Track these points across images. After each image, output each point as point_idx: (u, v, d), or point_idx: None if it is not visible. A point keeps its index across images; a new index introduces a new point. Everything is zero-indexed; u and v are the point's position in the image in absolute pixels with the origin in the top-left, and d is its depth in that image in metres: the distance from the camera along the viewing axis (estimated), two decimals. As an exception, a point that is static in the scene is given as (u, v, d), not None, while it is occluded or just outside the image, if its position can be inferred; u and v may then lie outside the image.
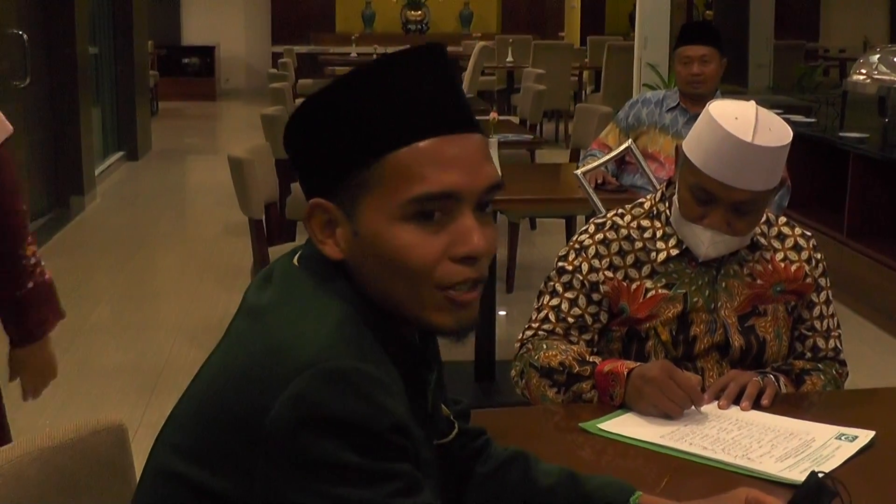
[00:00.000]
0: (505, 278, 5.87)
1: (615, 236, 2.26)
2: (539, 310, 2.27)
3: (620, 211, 2.31)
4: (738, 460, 1.79)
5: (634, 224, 2.27)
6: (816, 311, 2.30)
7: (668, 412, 1.95)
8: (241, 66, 17.20)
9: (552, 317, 2.25)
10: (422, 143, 1.26)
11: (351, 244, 1.29)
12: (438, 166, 1.26)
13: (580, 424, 1.94)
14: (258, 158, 4.31)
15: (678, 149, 2.19)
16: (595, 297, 2.24)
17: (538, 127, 7.87)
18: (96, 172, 9.01)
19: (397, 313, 1.30)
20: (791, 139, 2.10)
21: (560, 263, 2.29)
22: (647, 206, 2.31)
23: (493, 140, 4.52)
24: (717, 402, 2.03)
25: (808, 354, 2.29)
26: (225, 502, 1.19)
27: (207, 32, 16.84)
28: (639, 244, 2.25)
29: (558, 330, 2.23)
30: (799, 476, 1.71)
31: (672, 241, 2.24)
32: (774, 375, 2.14)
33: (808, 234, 2.33)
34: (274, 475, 1.17)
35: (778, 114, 2.16)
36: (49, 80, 7.85)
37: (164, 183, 9.97)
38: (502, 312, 5.39)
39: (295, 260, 1.34)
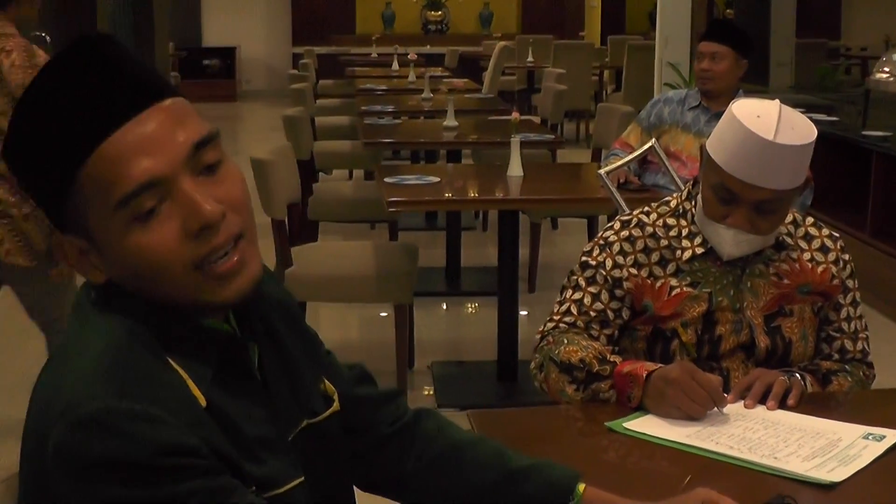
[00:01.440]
0: (527, 278, 5.86)
1: (640, 234, 2.26)
2: (561, 303, 2.27)
3: (646, 209, 2.31)
4: (765, 460, 1.78)
5: (660, 222, 2.27)
6: (844, 313, 2.28)
7: (691, 413, 1.93)
8: (262, 67, 17.21)
9: (574, 310, 2.24)
10: (101, 146, 1.19)
11: (105, 265, 1.26)
12: (123, 162, 1.19)
13: (606, 424, 1.94)
14: (280, 159, 4.32)
15: (702, 148, 2.18)
16: (618, 293, 2.23)
17: (559, 127, 7.84)
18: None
19: (184, 307, 1.26)
20: (815, 138, 2.08)
21: (584, 258, 2.28)
22: (673, 204, 2.30)
23: (515, 139, 4.52)
24: (742, 402, 2.02)
25: (836, 356, 2.27)
26: None
27: (228, 34, 16.86)
28: (664, 242, 2.25)
29: (579, 323, 2.23)
30: (826, 475, 1.71)
31: (697, 240, 2.23)
32: (801, 375, 2.12)
33: (836, 234, 2.31)
34: None
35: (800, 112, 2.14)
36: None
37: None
38: (524, 312, 5.38)
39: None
